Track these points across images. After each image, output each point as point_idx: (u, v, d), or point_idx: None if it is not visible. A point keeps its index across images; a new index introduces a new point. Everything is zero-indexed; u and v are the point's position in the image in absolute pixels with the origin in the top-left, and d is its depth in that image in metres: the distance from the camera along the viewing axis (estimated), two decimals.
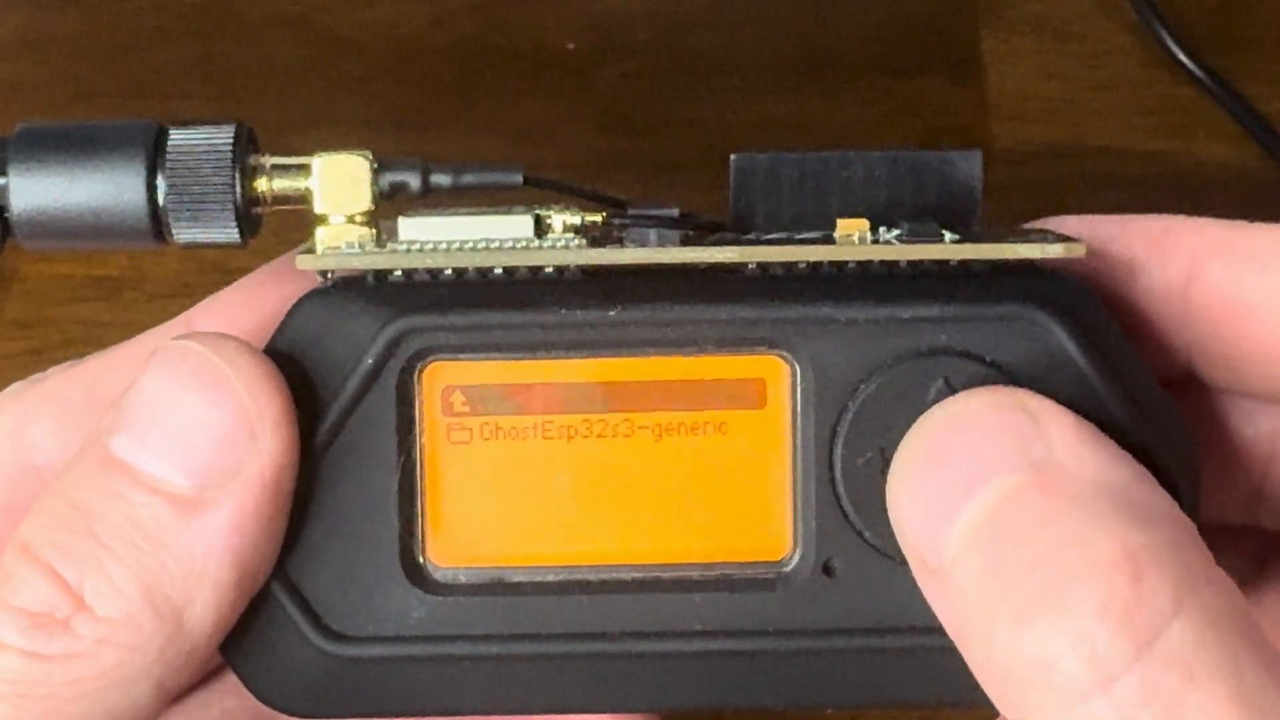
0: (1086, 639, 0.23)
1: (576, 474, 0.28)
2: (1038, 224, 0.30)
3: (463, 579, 0.28)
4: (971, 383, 0.27)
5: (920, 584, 0.26)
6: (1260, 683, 0.23)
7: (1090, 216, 0.30)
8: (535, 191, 0.29)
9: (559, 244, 0.28)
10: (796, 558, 0.28)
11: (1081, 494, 0.24)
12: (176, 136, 0.28)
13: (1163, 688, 0.23)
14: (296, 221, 0.29)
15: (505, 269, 0.28)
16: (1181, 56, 0.54)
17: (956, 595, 0.25)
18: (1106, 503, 0.24)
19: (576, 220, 0.28)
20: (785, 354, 0.28)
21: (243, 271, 0.31)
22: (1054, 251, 0.28)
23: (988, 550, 0.25)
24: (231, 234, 0.29)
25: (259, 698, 0.28)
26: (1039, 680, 0.23)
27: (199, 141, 0.28)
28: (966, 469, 0.25)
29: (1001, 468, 0.25)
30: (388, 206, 0.29)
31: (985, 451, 0.25)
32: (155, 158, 0.28)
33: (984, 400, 0.26)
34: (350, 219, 0.28)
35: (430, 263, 0.28)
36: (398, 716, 0.28)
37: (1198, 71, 0.54)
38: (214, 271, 0.50)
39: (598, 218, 0.28)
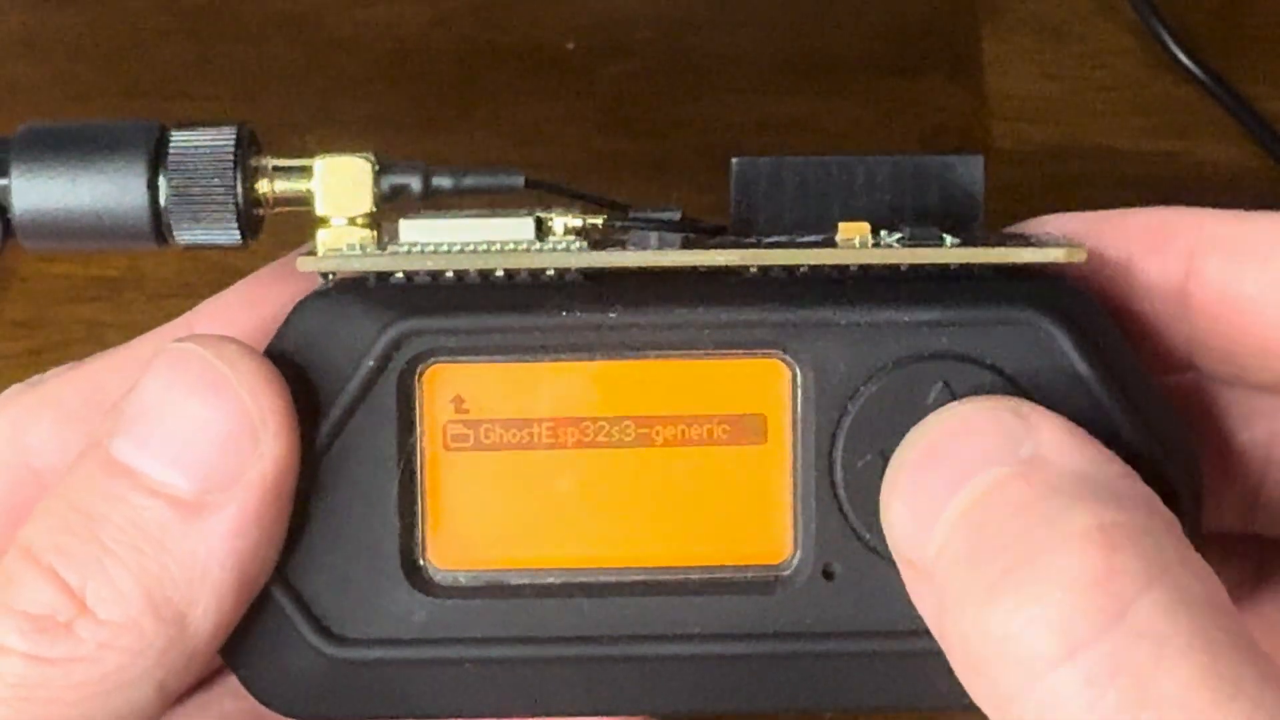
0: (1054, 607, 0.22)
1: (576, 476, 0.28)
2: (1028, 224, 0.30)
3: (463, 581, 0.28)
4: (971, 387, 0.27)
5: (907, 586, 0.26)
6: (1234, 664, 0.22)
7: (1082, 213, 0.30)
8: (537, 194, 0.29)
9: (560, 246, 0.28)
10: (796, 561, 0.28)
11: (1062, 482, 0.24)
12: (178, 138, 0.28)
13: (1132, 661, 0.22)
14: (295, 224, 0.29)
15: (506, 271, 0.28)
16: (1181, 56, 0.54)
17: (938, 588, 0.25)
18: (1086, 488, 0.24)
19: (578, 223, 0.28)
20: (786, 357, 0.28)
21: (244, 272, 0.31)
22: (1055, 256, 0.28)
23: (967, 538, 0.24)
24: (233, 236, 0.29)
25: (259, 700, 0.28)
26: (1005, 655, 0.23)
27: (201, 143, 0.28)
28: (954, 468, 0.25)
29: (989, 463, 0.25)
30: (389, 209, 0.29)
31: (973, 450, 0.25)
32: (157, 159, 0.28)
33: (975, 405, 0.26)
34: (351, 221, 0.28)
35: (431, 265, 0.28)
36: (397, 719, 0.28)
37: (1198, 71, 0.54)
38: (215, 272, 0.49)
39: (599, 220, 0.28)
